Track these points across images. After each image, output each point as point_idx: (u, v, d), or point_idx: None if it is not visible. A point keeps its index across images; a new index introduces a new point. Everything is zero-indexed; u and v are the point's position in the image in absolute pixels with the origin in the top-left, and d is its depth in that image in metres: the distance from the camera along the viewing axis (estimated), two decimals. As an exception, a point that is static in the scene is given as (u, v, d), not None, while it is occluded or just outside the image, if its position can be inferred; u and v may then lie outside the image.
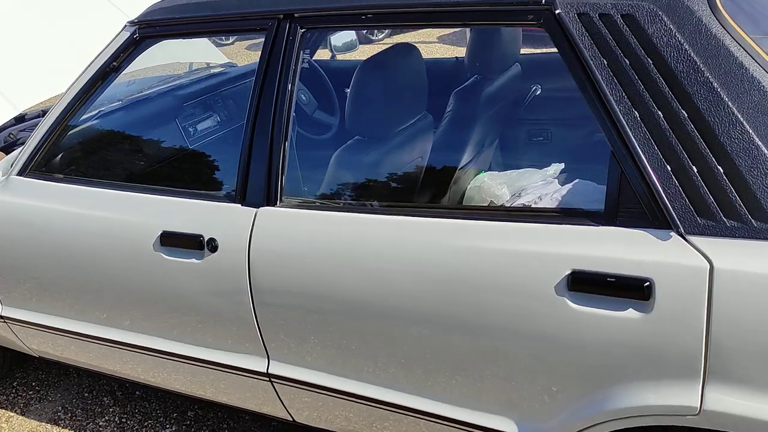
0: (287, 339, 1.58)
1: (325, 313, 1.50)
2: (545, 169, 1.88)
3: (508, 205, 1.75)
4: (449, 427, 1.49)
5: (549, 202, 1.72)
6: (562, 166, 1.86)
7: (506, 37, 2.18)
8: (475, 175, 2.08)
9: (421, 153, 2.02)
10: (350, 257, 1.44)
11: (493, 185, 1.96)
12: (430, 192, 1.99)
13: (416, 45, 1.93)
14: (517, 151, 2.52)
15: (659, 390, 1.19)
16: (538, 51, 2.78)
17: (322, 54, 3.30)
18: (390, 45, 1.92)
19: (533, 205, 1.70)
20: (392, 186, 1.82)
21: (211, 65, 3.23)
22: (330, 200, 1.63)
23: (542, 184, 1.90)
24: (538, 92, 2.50)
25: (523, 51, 2.44)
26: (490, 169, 2.20)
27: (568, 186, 1.69)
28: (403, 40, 4.57)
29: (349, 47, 3.35)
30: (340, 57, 3.29)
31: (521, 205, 1.69)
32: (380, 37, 8.37)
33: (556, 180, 1.88)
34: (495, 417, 1.41)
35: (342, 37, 3.28)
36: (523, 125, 2.52)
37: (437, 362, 1.43)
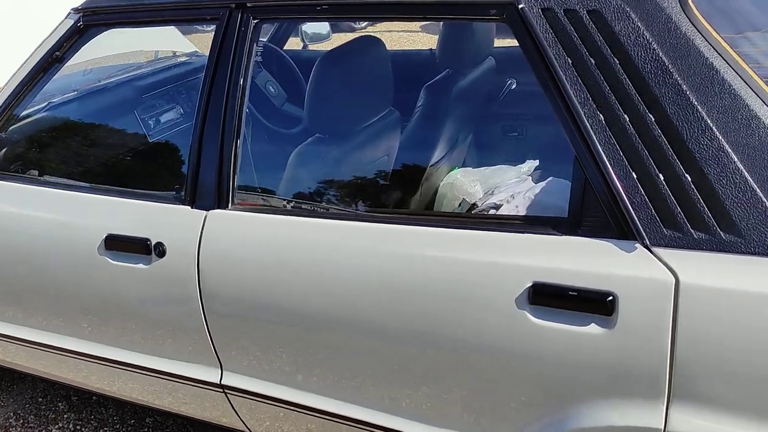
0: (240, 349, 1.50)
1: (278, 323, 1.42)
2: (519, 166, 1.81)
3: (480, 203, 1.68)
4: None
5: (521, 201, 1.65)
6: (536, 163, 1.79)
7: (478, 29, 2.10)
8: (449, 172, 2.02)
9: (387, 151, 1.95)
10: (303, 265, 1.36)
11: (465, 183, 1.89)
12: (398, 191, 1.91)
13: (399, 34, 1.84)
14: (492, 148, 2.45)
15: (623, 409, 1.13)
16: (515, 44, 2.71)
17: (294, 44, 3.21)
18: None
19: (505, 203, 1.64)
20: (354, 187, 1.74)
21: (177, 54, 3.12)
22: (285, 203, 1.54)
23: (516, 182, 1.83)
24: (513, 86, 2.43)
25: (499, 43, 2.37)
26: (464, 166, 2.13)
27: (542, 184, 1.62)
28: (385, 29, 4.46)
29: (321, 37, 3.25)
30: (312, 47, 3.20)
31: (492, 205, 1.63)
32: (363, 25, 8.22)
33: (530, 178, 1.81)
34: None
35: (314, 26, 3.18)
36: (497, 120, 2.45)
37: (395, 376, 1.35)
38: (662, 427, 1.09)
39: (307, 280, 1.36)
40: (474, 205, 1.78)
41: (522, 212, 1.55)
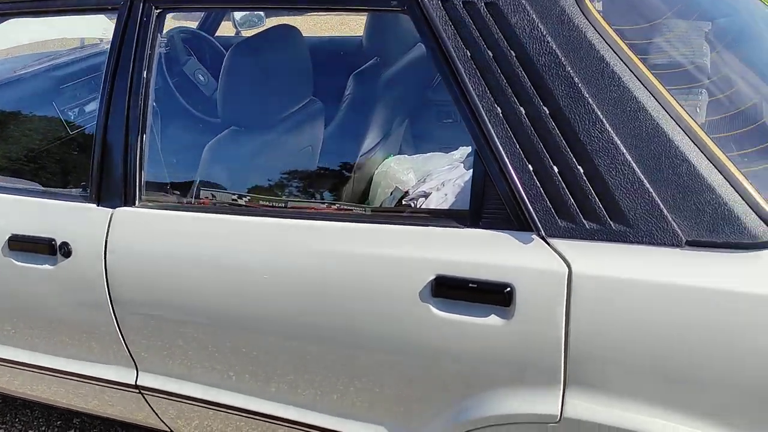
0: (152, 348, 1.47)
1: (187, 321, 1.39)
2: (452, 153, 1.82)
3: (411, 191, 1.68)
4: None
5: (451, 189, 1.66)
6: (468, 149, 1.80)
7: (403, 16, 2.09)
8: (383, 161, 2.01)
9: (311, 142, 1.92)
10: (211, 263, 1.33)
11: (399, 170, 1.89)
12: (326, 183, 1.89)
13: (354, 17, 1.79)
14: (427, 135, 2.44)
15: (523, 397, 1.15)
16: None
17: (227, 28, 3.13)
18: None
19: (435, 191, 1.65)
20: (271, 181, 1.72)
21: (104, 41, 3.02)
22: (194, 199, 1.51)
23: (448, 169, 1.83)
24: None
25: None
26: (400, 154, 2.12)
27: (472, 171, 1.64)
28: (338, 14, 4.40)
29: (253, 23, 3.18)
30: (245, 33, 3.13)
31: (422, 193, 1.63)
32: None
33: (462, 165, 1.82)
34: (368, 426, 1.35)
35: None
36: (431, 107, 2.45)
37: (305, 371, 1.35)
38: (558, 413, 1.12)
39: (216, 279, 1.33)
40: (406, 193, 1.78)
41: (451, 200, 1.56)
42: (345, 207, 1.58)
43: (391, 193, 1.86)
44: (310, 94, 1.82)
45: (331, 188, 1.86)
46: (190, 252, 1.36)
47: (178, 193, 1.55)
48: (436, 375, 1.22)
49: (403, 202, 1.63)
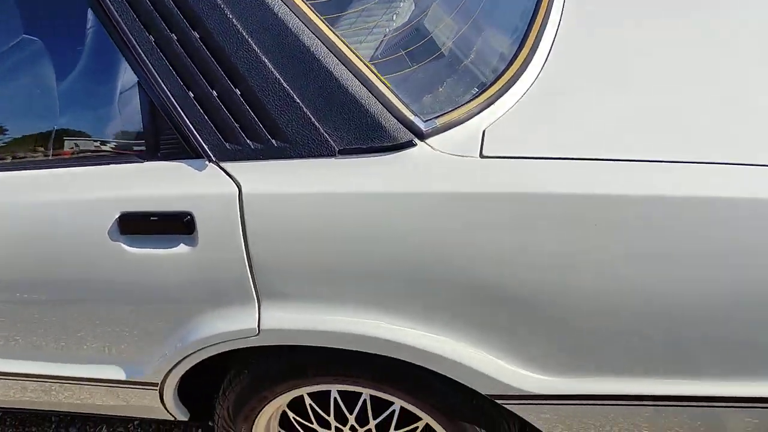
0: None
1: None
2: None
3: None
4: (69, 384, 1.43)
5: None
6: None
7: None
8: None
9: (35, 87, 1.79)
10: None
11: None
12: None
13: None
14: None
15: (225, 317, 1.20)
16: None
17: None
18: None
19: None
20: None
21: None
22: None
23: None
24: None
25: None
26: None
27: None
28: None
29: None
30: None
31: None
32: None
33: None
34: (100, 367, 1.36)
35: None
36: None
37: (38, 327, 1.33)
38: (256, 327, 1.19)
39: None
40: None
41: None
42: (27, 155, 1.49)
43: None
44: (22, 32, 1.68)
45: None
46: None
47: None
48: (145, 311, 1.25)
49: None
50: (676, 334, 1.08)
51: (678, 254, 1.02)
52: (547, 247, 1.04)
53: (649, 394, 1.17)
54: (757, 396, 1.13)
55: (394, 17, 1.43)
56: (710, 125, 1.10)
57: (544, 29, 1.34)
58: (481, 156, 1.07)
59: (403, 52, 1.29)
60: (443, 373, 1.17)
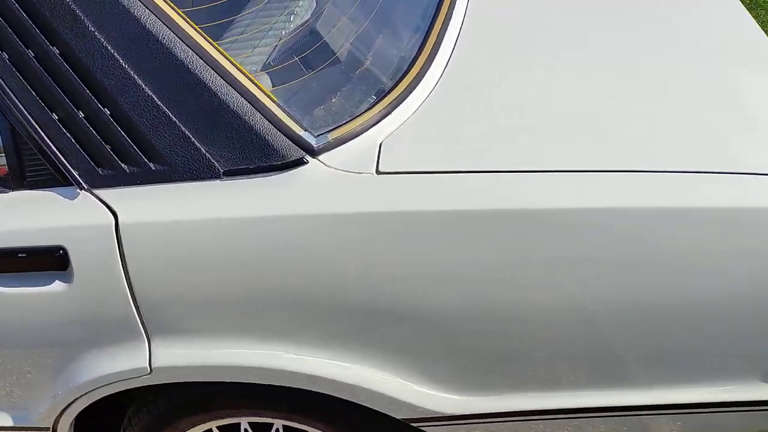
0: None
1: None
2: None
3: None
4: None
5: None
6: None
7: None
8: None
9: None
10: None
11: None
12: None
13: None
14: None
15: (113, 356, 1.10)
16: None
17: None
18: None
19: None
20: None
21: None
22: None
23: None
24: None
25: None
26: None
27: None
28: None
29: None
30: None
31: None
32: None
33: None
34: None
35: None
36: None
37: None
38: (147, 365, 1.09)
39: None
40: None
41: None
42: None
43: None
44: None
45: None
46: None
47: None
48: (26, 354, 1.13)
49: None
50: (582, 347, 1.06)
51: (577, 264, 0.98)
52: (442, 265, 0.98)
53: (569, 407, 1.15)
54: (679, 402, 1.13)
55: (292, 17, 1.35)
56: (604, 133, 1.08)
57: (447, 28, 1.28)
58: (377, 172, 1.00)
59: (297, 58, 1.21)
60: (353, 401, 1.11)
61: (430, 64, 1.19)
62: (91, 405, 1.22)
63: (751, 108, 1.15)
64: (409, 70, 1.17)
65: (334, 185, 1.00)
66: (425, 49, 1.21)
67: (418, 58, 1.19)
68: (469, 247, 0.98)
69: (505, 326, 1.03)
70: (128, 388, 1.13)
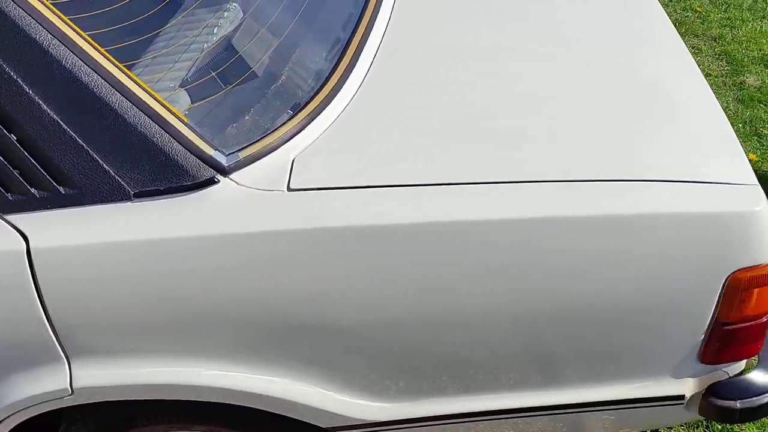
0: None
1: None
2: None
3: None
4: None
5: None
6: None
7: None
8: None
9: None
10: None
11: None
12: None
13: None
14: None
15: (35, 379, 1.09)
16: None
17: None
18: None
19: None
20: None
21: None
22: None
23: None
24: None
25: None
26: None
27: None
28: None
29: None
30: None
31: None
32: None
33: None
34: None
35: None
36: None
37: None
38: (68, 386, 1.09)
39: None
40: None
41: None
42: None
43: None
44: None
45: None
46: None
47: None
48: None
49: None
50: (494, 350, 1.09)
51: (478, 273, 1.02)
52: (348, 280, 1.01)
53: (493, 409, 1.18)
54: (599, 400, 1.17)
55: (215, 30, 1.35)
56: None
57: (367, 40, 1.29)
58: (289, 189, 1.02)
59: (214, 74, 1.21)
60: (277, 412, 1.13)
61: (348, 77, 1.20)
62: (25, 422, 1.22)
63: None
64: (326, 83, 1.18)
65: (244, 204, 1.01)
66: (343, 61, 1.22)
67: (335, 71, 1.20)
68: (375, 259, 1.00)
69: (417, 334, 1.05)
70: (53, 408, 1.14)
